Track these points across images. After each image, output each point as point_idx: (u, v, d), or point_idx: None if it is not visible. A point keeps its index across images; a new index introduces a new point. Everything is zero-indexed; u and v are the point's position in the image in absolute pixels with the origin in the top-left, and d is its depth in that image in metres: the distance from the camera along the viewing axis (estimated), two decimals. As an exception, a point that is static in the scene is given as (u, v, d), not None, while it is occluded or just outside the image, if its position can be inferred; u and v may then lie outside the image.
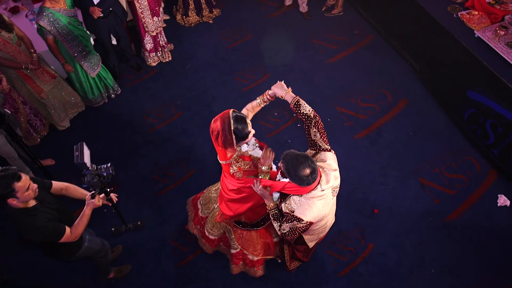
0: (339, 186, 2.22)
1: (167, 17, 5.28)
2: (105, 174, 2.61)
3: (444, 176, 3.86)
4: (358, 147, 4.08)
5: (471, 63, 3.75)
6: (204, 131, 4.21)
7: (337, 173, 2.20)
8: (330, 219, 2.51)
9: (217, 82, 4.66)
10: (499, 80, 3.50)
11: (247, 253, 3.04)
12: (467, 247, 3.45)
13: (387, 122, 4.27)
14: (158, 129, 4.24)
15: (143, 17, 4.32)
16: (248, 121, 2.23)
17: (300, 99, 2.34)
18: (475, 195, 3.73)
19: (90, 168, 2.53)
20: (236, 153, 2.33)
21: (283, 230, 2.25)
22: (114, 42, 4.56)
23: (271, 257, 3.13)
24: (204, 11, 5.24)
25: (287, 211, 2.17)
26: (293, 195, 2.15)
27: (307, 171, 1.97)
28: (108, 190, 2.60)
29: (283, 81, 2.43)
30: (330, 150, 2.26)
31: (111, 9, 3.99)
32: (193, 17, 5.26)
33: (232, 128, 2.14)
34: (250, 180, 2.33)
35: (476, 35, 3.77)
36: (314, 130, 2.28)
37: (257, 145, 2.41)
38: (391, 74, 4.70)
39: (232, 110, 2.20)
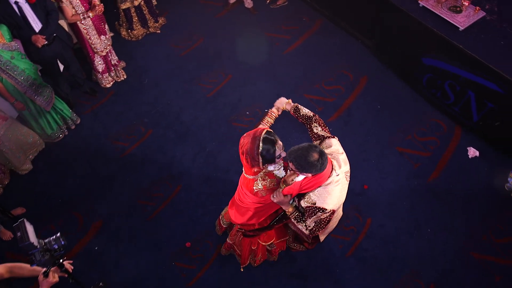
0: (349, 170, 2.26)
1: (111, 34, 5.00)
2: (56, 247, 2.29)
3: (417, 141, 4.09)
4: (333, 129, 4.18)
5: (420, 31, 3.99)
6: (179, 143, 4.08)
7: (345, 157, 2.24)
8: (340, 211, 2.56)
9: (180, 92, 4.52)
10: (449, 42, 3.76)
11: (235, 248, 3.20)
12: (453, 201, 3.69)
13: (354, 101, 4.42)
14: (131, 151, 4.04)
15: (90, 37, 4.06)
16: (279, 144, 2.18)
17: (298, 105, 2.50)
18: (448, 153, 4.00)
19: (37, 245, 2.20)
20: (264, 170, 2.29)
21: (309, 227, 2.25)
22: (61, 69, 4.25)
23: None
24: (149, 22, 5.04)
25: (309, 204, 2.16)
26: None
27: (315, 155, 1.99)
28: (61, 260, 2.31)
29: (282, 97, 2.59)
30: (333, 137, 2.30)
31: (55, 34, 3.70)
32: (138, 30, 5.04)
33: (259, 150, 2.09)
34: (268, 196, 2.31)
35: (420, 5, 4.00)
36: (315, 124, 2.39)
37: (281, 163, 2.38)
38: (346, 54, 4.86)
39: (265, 130, 2.15)
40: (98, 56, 4.28)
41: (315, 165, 1.99)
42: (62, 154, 4.04)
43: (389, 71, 4.64)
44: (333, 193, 2.13)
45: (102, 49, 4.23)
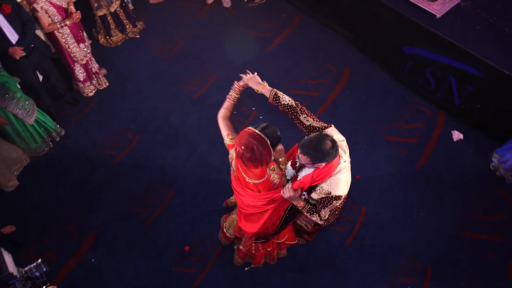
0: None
1: (90, 42, 4.89)
2: (38, 275, 2.23)
3: (403, 128, 4.18)
4: (322, 123, 4.23)
5: (399, 21, 4.07)
6: (169, 147, 4.04)
7: (346, 143, 2.25)
8: None
9: (165, 96, 4.47)
10: (428, 30, 3.85)
11: (251, 254, 3.16)
12: (442, 184, 3.79)
13: (339, 94, 4.48)
14: (120, 159, 3.96)
15: (68, 46, 3.96)
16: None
17: (278, 91, 2.33)
18: (433, 138, 4.10)
19: (17, 275, 2.15)
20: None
21: (324, 217, 2.26)
22: (40, 80, 4.14)
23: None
24: (127, 27, 4.96)
25: (323, 195, 2.16)
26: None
27: (329, 143, 1.99)
28: (44, 287, 2.26)
29: (256, 73, 2.42)
30: (330, 126, 2.27)
31: (32, 45, 3.60)
32: (117, 36, 4.95)
33: (269, 143, 2.05)
34: (278, 190, 2.28)
35: (397, -5, 4.10)
36: (303, 116, 2.29)
37: None
38: (328, 48, 4.91)
39: (251, 129, 2.07)
40: (79, 65, 4.18)
41: (330, 153, 1.99)
42: (49, 167, 3.93)
43: (371, 62, 4.72)
44: (342, 179, 2.15)
45: (82, 58, 4.14)
